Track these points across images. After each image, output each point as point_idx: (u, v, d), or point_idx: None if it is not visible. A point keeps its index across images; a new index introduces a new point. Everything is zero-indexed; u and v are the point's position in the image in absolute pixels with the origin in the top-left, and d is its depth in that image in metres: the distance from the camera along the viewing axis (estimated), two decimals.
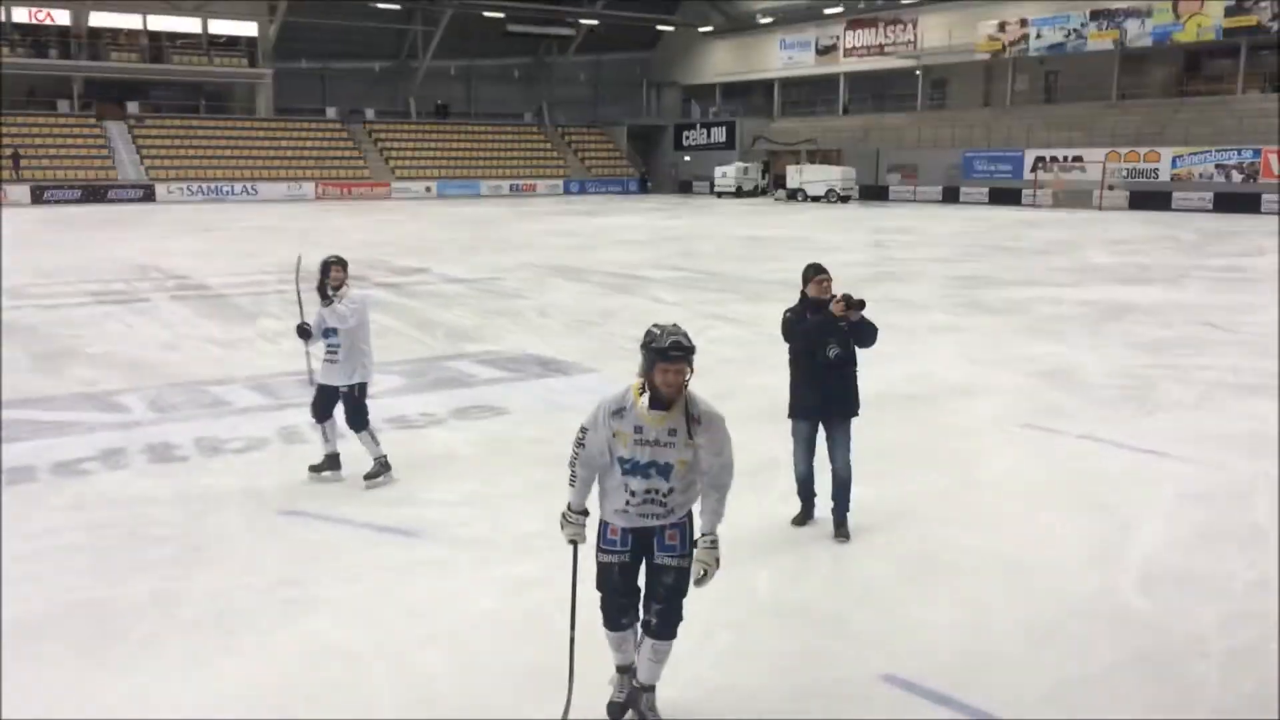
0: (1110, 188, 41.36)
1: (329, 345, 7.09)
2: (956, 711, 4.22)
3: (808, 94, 64.49)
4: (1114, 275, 19.14)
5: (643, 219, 37.51)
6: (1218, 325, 13.36)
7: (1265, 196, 37.14)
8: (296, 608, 5.19)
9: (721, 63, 67.41)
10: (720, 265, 21.79)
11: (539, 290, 17.71)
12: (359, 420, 7.10)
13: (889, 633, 4.93)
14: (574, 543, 4.06)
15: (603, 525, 4.04)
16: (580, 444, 3.99)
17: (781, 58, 63.63)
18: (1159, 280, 18.31)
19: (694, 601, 4.07)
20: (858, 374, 6.18)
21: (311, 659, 4.67)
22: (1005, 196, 45.18)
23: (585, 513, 4.06)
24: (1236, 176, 39.06)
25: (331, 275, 7.00)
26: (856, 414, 6.19)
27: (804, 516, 6.33)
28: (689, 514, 4.06)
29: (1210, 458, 7.58)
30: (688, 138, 64.66)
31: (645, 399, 3.80)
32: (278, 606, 5.21)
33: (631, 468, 3.89)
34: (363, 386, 7.15)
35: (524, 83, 67.62)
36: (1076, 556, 5.70)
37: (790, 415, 6.27)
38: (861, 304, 5.90)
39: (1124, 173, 41.98)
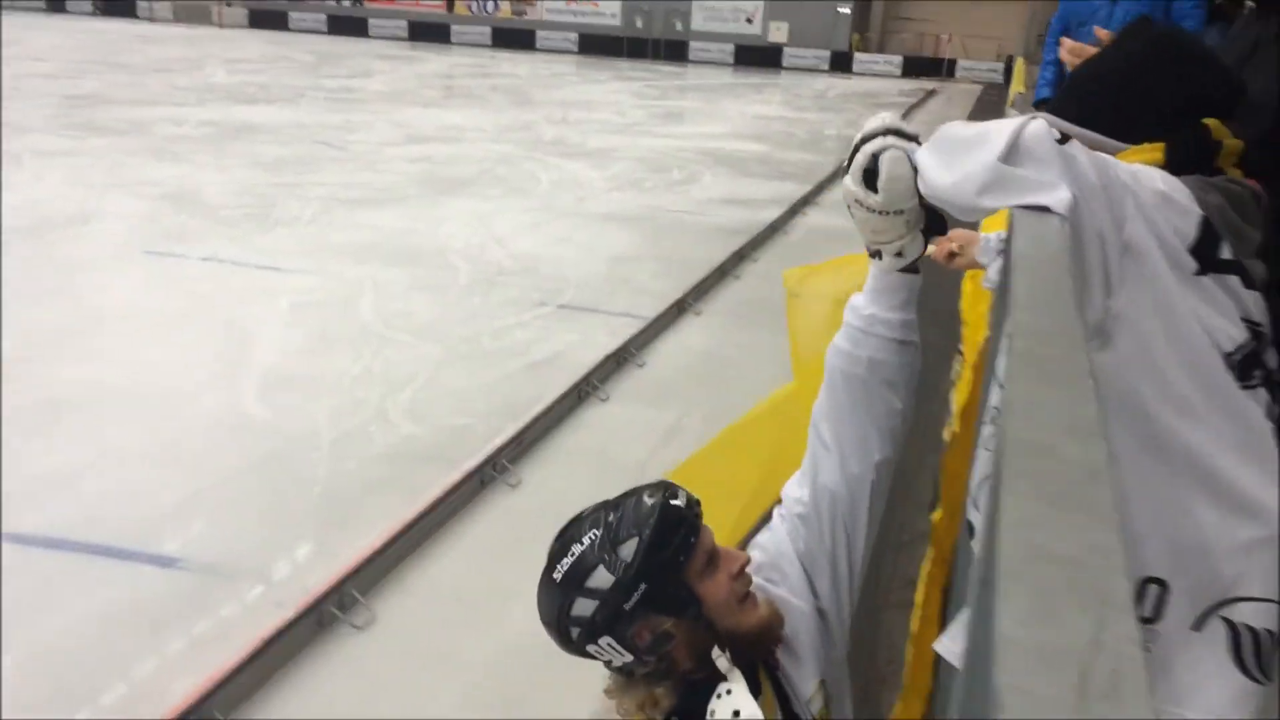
0: (229, 4, 40.73)
1: None
2: (80, 552, 4.13)
3: None
4: (236, 95, 19.15)
5: None
6: (331, 143, 14.28)
7: (373, 21, 39.73)
8: None
9: None
10: None
11: None
12: None
13: (9, 490, 4.56)
14: None
15: None
16: None
17: None
18: (279, 100, 18.82)
19: None
20: None
21: None
22: (120, 9, 41.78)
23: None
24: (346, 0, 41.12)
25: None
26: None
27: None
28: None
29: (323, 267, 8.24)
30: None
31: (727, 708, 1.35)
32: None
33: None
34: None
35: None
36: (199, 377, 5.84)
37: None
38: None
39: None
